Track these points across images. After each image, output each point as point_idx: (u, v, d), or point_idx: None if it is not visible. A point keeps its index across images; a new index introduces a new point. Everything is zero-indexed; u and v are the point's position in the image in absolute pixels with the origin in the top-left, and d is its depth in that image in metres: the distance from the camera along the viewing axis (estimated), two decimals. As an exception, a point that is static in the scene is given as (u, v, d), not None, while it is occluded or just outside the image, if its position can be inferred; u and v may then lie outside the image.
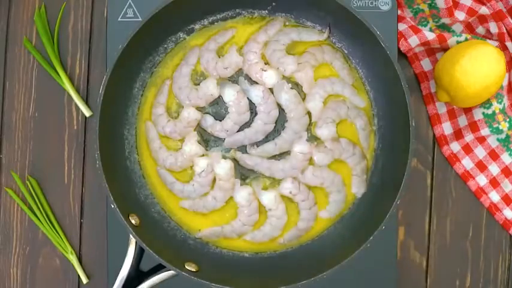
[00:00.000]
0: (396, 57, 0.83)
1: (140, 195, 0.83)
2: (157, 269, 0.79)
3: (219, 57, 0.83)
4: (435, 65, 0.86)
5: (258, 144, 0.83)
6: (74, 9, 0.90)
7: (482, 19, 0.87)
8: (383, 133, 0.83)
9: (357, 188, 0.83)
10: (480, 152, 0.88)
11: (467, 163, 0.89)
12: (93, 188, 0.89)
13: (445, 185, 0.89)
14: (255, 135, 0.82)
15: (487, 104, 0.86)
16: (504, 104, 0.87)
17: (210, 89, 0.82)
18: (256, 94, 0.82)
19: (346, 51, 0.84)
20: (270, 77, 0.82)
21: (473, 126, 0.87)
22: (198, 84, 0.83)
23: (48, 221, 0.87)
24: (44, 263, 0.88)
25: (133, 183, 0.83)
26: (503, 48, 0.87)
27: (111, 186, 0.76)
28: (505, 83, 0.87)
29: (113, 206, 0.75)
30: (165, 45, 0.84)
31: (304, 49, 0.83)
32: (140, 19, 0.83)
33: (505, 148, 0.88)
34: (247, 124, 0.83)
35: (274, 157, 0.83)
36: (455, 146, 0.88)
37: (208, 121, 0.83)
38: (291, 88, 0.82)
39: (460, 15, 0.87)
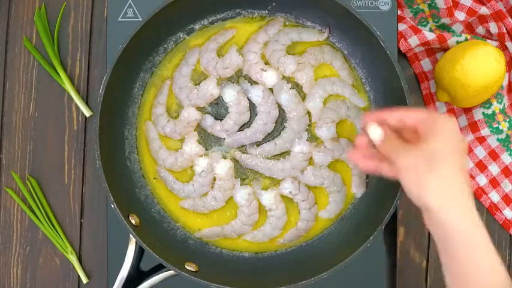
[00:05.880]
0: (396, 57, 0.83)
1: (140, 195, 0.83)
2: (157, 269, 0.79)
3: (219, 57, 0.83)
4: (435, 65, 0.86)
5: (258, 144, 0.83)
6: (74, 9, 0.90)
7: (482, 19, 0.87)
8: (383, 133, 0.83)
9: (357, 188, 0.83)
10: (480, 152, 0.88)
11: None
12: (93, 188, 0.89)
13: (445, 185, 0.89)
14: (255, 135, 0.82)
15: (487, 104, 0.86)
16: (504, 104, 0.87)
17: (210, 89, 0.82)
18: (256, 94, 0.82)
19: (346, 51, 0.84)
20: (270, 77, 0.82)
21: (473, 126, 0.87)
22: (198, 84, 0.83)
23: (48, 221, 0.87)
24: (44, 263, 0.89)
25: (133, 183, 0.83)
26: (503, 48, 0.87)
27: (111, 186, 0.76)
28: (505, 83, 0.87)
29: (113, 206, 0.75)
30: (165, 45, 0.84)
31: (304, 49, 0.83)
32: (140, 19, 0.83)
33: (505, 148, 0.88)
34: (247, 124, 0.83)
35: (274, 157, 0.83)
36: (455, 146, 0.88)
37: (208, 121, 0.83)
38: (291, 88, 0.82)
39: (460, 15, 0.87)
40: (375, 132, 0.68)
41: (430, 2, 0.85)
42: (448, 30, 0.89)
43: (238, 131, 0.83)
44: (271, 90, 0.83)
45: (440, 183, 0.61)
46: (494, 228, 0.88)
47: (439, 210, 0.61)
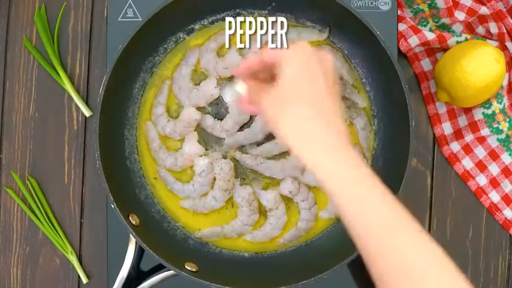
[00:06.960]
0: (396, 57, 0.83)
1: (140, 195, 0.83)
2: (157, 269, 0.79)
3: (219, 57, 0.83)
4: (435, 65, 0.86)
5: (258, 144, 0.83)
6: (74, 9, 0.90)
7: (482, 19, 0.87)
8: (383, 133, 0.83)
9: (357, 188, 0.83)
10: (480, 152, 0.88)
11: (467, 163, 0.89)
12: (93, 188, 0.89)
13: (445, 185, 0.89)
14: (255, 135, 0.82)
15: (487, 104, 0.86)
16: (504, 104, 0.87)
17: (210, 89, 0.82)
18: (256, 94, 0.82)
19: (346, 51, 0.84)
20: (270, 77, 0.82)
21: (473, 126, 0.87)
22: (198, 84, 0.83)
23: (48, 221, 0.87)
24: (44, 263, 0.88)
25: (133, 183, 0.83)
26: (503, 48, 0.87)
27: (111, 186, 0.76)
28: (505, 83, 0.87)
29: (113, 206, 0.75)
30: (165, 45, 0.84)
31: (304, 49, 0.83)
32: (140, 19, 0.83)
33: (505, 148, 0.88)
34: (247, 124, 0.83)
35: (274, 157, 0.83)
36: (455, 146, 0.88)
37: (208, 121, 0.83)
38: (291, 88, 0.82)
39: (460, 15, 0.87)
40: (241, 89, 0.68)
41: (430, 2, 0.85)
42: (448, 30, 0.89)
43: (238, 131, 0.83)
44: (271, 90, 0.83)
45: (291, 125, 0.54)
46: (494, 228, 0.88)
47: (303, 158, 0.53)
